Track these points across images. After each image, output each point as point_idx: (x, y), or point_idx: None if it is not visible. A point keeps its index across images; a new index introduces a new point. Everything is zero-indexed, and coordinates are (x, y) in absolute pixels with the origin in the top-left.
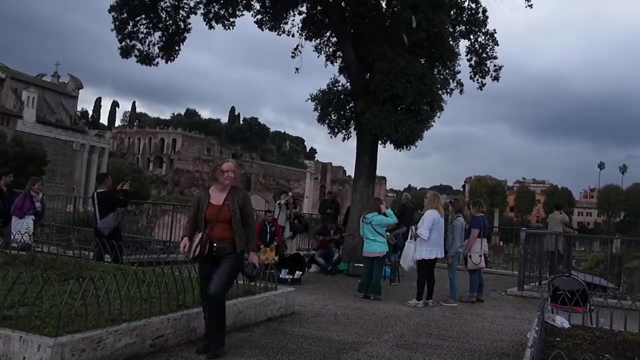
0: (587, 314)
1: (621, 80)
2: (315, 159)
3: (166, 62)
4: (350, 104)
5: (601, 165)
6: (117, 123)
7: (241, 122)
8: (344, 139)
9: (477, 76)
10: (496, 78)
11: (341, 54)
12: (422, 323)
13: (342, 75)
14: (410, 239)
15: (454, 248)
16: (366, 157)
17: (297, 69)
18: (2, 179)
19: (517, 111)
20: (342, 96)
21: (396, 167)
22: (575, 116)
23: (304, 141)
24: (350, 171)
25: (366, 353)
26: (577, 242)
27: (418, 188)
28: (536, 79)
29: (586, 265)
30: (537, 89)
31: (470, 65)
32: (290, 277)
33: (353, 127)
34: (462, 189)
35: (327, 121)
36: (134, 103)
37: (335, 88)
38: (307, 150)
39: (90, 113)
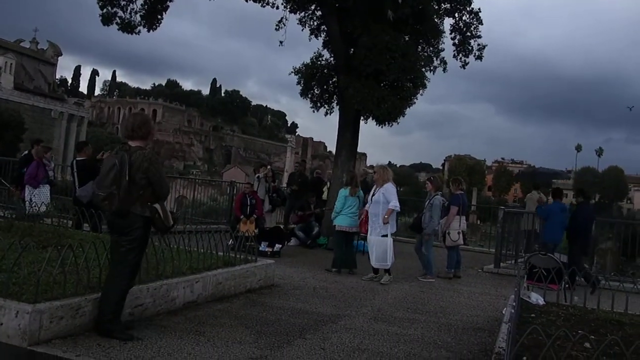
0: (562, 291)
1: (606, 63)
2: (297, 133)
3: (148, 31)
4: (334, 79)
5: (579, 148)
6: (97, 92)
7: (223, 94)
8: (327, 113)
9: (460, 55)
10: (479, 57)
11: (325, 28)
12: (400, 297)
13: (325, 50)
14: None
15: (432, 226)
16: (348, 132)
17: (281, 42)
18: (33, 147)
19: (503, 92)
20: (325, 70)
21: (377, 143)
22: (559, 99)
23: (285, 115)
24: (331, 146)
25: (344, 325)
26: None
27: (398, 165)
28: (523, 60)
29: (561, 245)
30: (524, 70)
31: (454, 44)
32: (270, 250)
33: (336, 102)
34: (441, 167)
35: (309, 95)
36: (114, 72)
37: (319, 62)
38: (289, 125)
39: (70, 81)
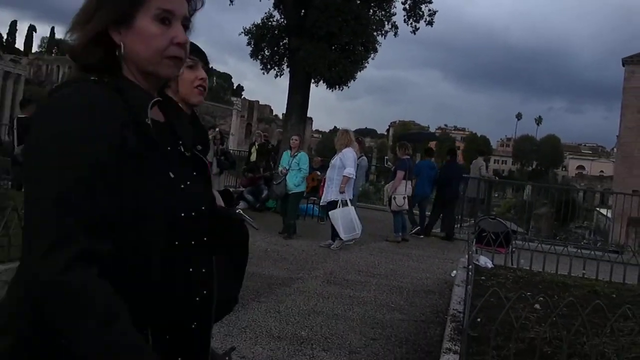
0: (510, 255)
1: (552, 33)
2: (243, 96)
3: None
4: (285, 40)
5: (519, 116)
6: (34, 49)
7: None
8: (277, 75)
9: (411, 20)
10: (430, 23)
11: None
12: (351, 261)
13: (277, 10)
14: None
15: (356, 187)
16: (298, 95)
17: (231, 0)
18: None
19: (451, 59)
20: (276, 32)
21: (324, 107)
22: (505, 67)
23: (231, 78)
24: (277, 110)
25: (297, 288)
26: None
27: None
28: (471, 27)
29: (499, 211)
30: (472, 37)
31: (405, 9)
32: None
33: (286, 64)
34: (386, 133)
35: (259, 57)
36: (52, 28)
37: (270, 23)
38: (235, 87)
39: (5, 37)
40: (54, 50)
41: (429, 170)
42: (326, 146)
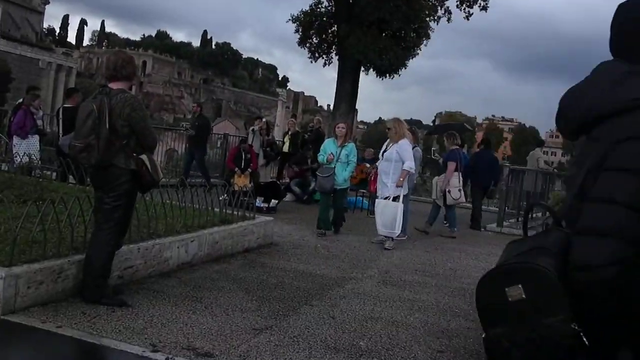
0: None
1: (607, 20)
2: (288, 87)
3: None
4: (333, 28)
5: None
6: (85, 42)
7: (213, 46)
8: (325, 64)
9: (464, 5)
10: (484, 8)
11: None
12: (406, 259)
13: None
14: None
15: (411, 181)
16: (348, 83)
17: None
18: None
19: (502, 49)
20: (324, 18)
21: (369, 98)
22: (558, 56)
23: (276, 69)
24: (322, 101)
25: (352, 290)
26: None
27: None
28: (523, 16)
29: (549, 203)
30: (524, 26)
31: None
32: (266, 205)
33: (335, 52)
34: (432, 124)
35: (307, 45)
36: (102, 22)
37: (318, 9)
38: (280, 79)
39: (57, 31)
40: (104, 44)
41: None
42: (371, 137)
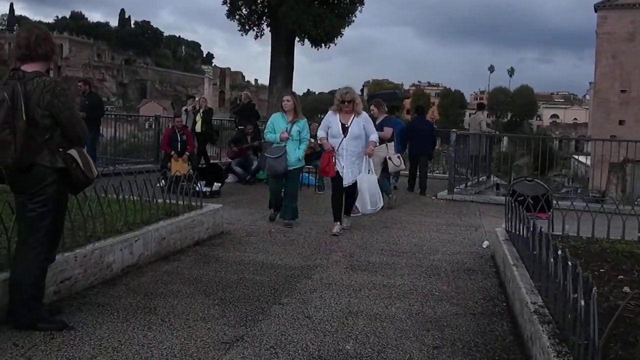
0: (550, 220)
1: None
2: (213, 64)
3: None
4: None
5: (491, 68)
6: None
7: (132, 25)
8: (257, 36)
9: None
10: None
11: None
12: (368, 238)
13: None
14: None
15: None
16: (282, 56)
17: None
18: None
19: (421, 14)
20: None
21: (295, 70)
22: (476, 20)
23: (200, 46)
24: (249, 76)
25: (320, 280)
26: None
27: (317, 92)
28: None
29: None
30: None
31: None
32: (209, 189)
33: (266, 23)
34: (360, 93)
35: (237, 16)
36: (11, 4)
37: None
38: (204, 55)
39: None
40: (14, 27)
41: (396, 127)
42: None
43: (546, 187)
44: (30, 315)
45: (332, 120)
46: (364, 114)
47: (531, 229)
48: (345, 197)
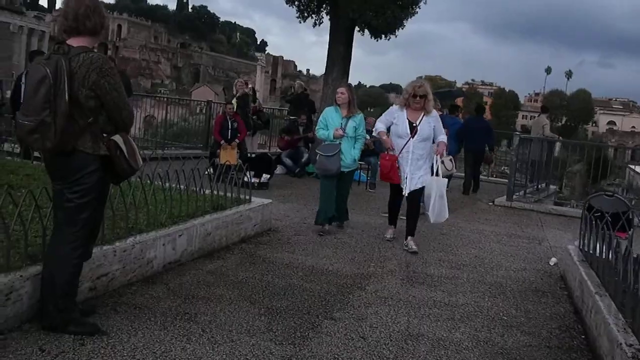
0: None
1: None
2: (266, 52)
3: None
4: None
5: (548, 70)
6: (58, 5)
7: (190, 10)
8: (315, 24)
9: None
10: None
11: None
12: (423, 246)
13: None
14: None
15: None
16: (341, 45)
17: None
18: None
19: (481, 11)
20: None
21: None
22: (536, 19)
23: (254, 33)
24: (301, 66)
25: (375, 292)
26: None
27: (368, 86)
28: None
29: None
30: None
31: None
32: (257, 180)
33: (326, 10)
34: None
35: (296, 3)
36: None
37: None
38: (258, 43)
39: None
40: None
41: (453, 127)
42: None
43: (628, 204)
44: (61, 316)
45: (398, 116)
46: (435, 112)
47: (622, 253)
48: (408, 206)
